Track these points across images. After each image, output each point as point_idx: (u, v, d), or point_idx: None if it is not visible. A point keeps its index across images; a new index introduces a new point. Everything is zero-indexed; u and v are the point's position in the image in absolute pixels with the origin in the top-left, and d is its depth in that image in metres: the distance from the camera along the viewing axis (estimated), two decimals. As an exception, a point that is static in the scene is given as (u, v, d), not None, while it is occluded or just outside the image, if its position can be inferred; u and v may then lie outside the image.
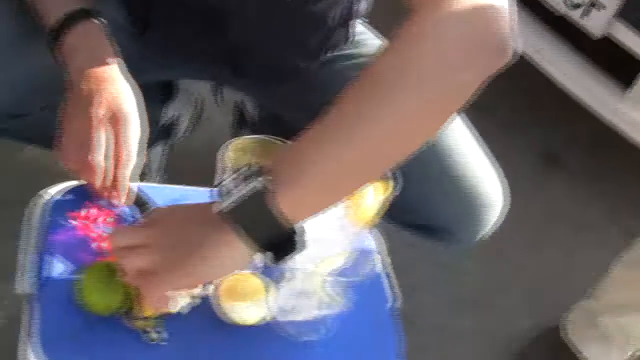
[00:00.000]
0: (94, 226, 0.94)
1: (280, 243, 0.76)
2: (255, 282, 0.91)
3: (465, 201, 1.17)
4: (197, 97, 1.65)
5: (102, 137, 0.93)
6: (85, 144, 0.92)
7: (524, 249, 1.83)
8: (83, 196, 0.98)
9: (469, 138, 1.20)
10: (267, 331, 0.92)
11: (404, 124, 0.77)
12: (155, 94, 1.52)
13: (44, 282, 0.89)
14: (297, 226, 0.76)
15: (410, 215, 1.20)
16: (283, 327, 0.92)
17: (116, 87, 0.96)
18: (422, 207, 1.18)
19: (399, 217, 1.16)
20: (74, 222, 0.94)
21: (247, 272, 0.92)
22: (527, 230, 1.86)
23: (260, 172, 0.75)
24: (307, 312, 0.90)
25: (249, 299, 0.89)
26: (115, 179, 0.94)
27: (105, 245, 0.92)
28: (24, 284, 0.90)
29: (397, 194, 0.92)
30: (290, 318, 0.91)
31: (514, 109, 2.18)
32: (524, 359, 1.59)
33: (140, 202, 0.99)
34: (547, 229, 1.92)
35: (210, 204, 0.77)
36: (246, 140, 0.95)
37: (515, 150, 2.04)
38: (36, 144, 1.33)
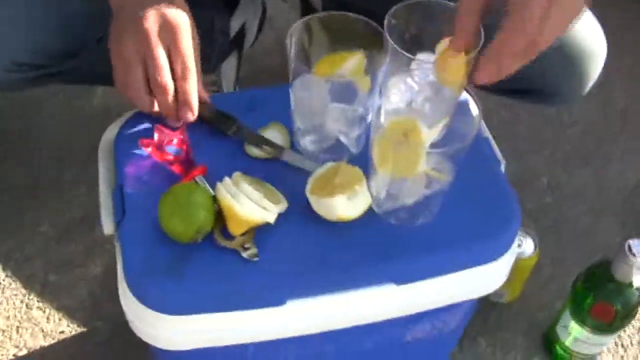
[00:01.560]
0: (168, 149, 0.86)
1: None
2: (352, 170, 0.82)
3: (566, 54, 1.07)
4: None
5: (163, 53, 0.85)
6: (149, 65, 0.84)
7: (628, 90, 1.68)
8: (152, 120, 0.90)
9: None
10: (373, 222, 0.83)
11: None
12: (221, 5, 1.43)
13: (127, 218, 0.83)
14: None
15: (509, 79, 1.09)
16: (392, 216, 0.83)
17: None
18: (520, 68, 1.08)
19: (497, 85, 1.06)
20: (147, 150, 0.87)
21: (337, 163, 0.83)
22: (628, 68, 1.70)
23: None
24: (415, 193, 0.80)
25: (348, 190, 0.80)
26: (184, 94, 0.86)
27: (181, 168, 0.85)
28: (109, 224, 0.85)
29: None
30: (399, 204, 0.82)
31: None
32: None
33: (221, 117, 0.90)
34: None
35: None
36: (313, 18, 0.85)
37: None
38: (101, 83, 1.26)
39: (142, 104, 0.87)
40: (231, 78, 1.44)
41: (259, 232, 0.82)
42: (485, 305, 1.28)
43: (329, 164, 0.83)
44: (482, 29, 0.81)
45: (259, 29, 1.54)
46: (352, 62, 0.85)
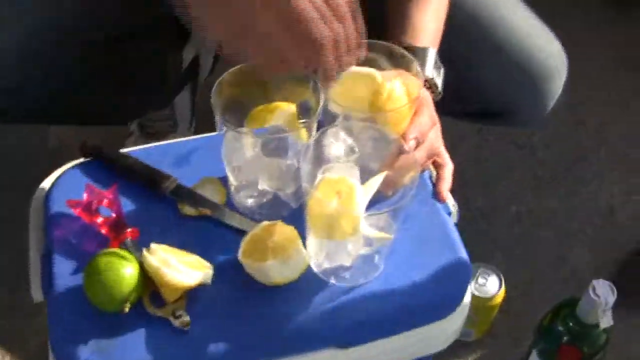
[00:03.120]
0: (99, 210, 0.82)
1: None
2: (287, 230, 0.78)
3: (524, 72, 1.05)
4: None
5: None
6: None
7: (602, 108, 1.64)
8: (81, 179, 0.86)
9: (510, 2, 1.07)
10: (313, 283, 0.79)
11: None
12: (172, 36, 1.39)
13: (55, 285, 0.79)
14: None
15: (468, 103, 1.10)
16: (332, 275, 0.79)
17: None
18: (478, 90, 1.07)
19: (457, 108, 1.06)
20: (75, 211, 0.82)
21: (271, 222, 0.78)
22: (600, 87, 1.66)
23: None
24: (354, 254, 0.76)
25: (282, 253, 0.75)
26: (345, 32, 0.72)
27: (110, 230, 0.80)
28: (38, 291, 0.81)
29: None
30: (338, 264, 0.78)
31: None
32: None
33: (154, 174, 0.85)
34: (627, 78, 1.70)
35: None
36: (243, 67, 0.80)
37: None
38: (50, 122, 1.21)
39: (321, 33, 0.70)
40: (186, 112, 1.40)
41: (192, 298, 0.77)
42: (453, 344, 1.23)
43: (264, 223, 0.78)
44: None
45: (216, 59, 1.50)
46: (285, 113, 0.81)
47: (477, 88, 1.06)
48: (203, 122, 1.43)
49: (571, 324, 1.03)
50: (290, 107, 0.81)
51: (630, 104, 1.63)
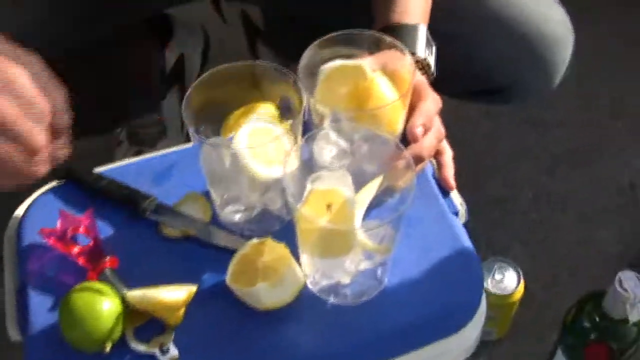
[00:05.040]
0: (74, 238, 0.75)
1: None
2: (278, 248, 0.70)
3: (527, 43, 0.99)
4: (199, 26, 1.43)
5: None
6: None
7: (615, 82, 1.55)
8: (54, 204, 0.79)
9: None
10: (311, 303, 0.72)
11: None
12: (151, 38, 1.32)
13: (31, 323, 0.72)
14: None
15: (473, 82, 1.04)
16: (331, 294, 0.72)
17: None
18: (482, 67, 1.01)
19: (459, 88, 1.03)
20: (49, 241, 0.76)
21: (260, 240, 0.71)
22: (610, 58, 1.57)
23: None
24: (352, 270, 0.69)
25: (273, 276, 0.68)
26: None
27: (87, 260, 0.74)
28: (13, 330, 0.74)
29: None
30: (336, 281, 0.71)
31: None
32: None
33: (131, 195, 0.78)
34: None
35: None
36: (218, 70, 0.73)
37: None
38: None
39: None
40: (176, 117, 1.33)
41: (179, 330, 0.70)
42: (474, 344, 1.16)
43: (253, 242, 0.71)
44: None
45: (204, 60, 1.43)
46: (263, 113, 0.73)
47: (481, 64, 1.01)
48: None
49: (597, 319, 0.96)
50: (268, 107, 0.73)
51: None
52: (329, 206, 0.65)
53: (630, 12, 1.63)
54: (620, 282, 0.90)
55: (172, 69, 1.36)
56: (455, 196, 0.81)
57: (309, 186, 0.67)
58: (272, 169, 0.70)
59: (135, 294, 0.68)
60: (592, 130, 1.46)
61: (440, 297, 0.73)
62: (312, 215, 0.64)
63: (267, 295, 0.68)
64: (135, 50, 1.12)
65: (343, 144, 0.72)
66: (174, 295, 0.68)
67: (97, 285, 0.70)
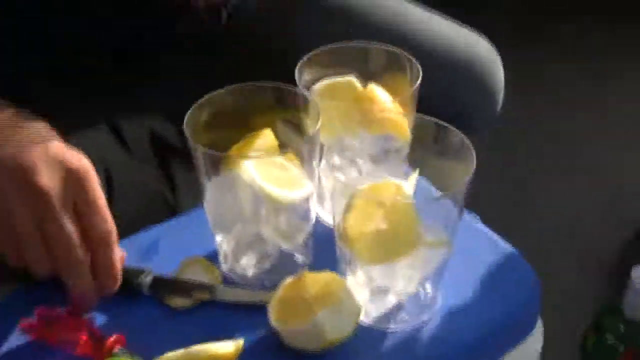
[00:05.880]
0: (55, 330, 0.62)
1: None
2: (323, 276, 0.60)
3: (466, 68, 1.01)
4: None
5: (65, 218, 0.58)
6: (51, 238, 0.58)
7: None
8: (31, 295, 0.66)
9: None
10: (367, 340, 0.61)
11: None
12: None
13: None
14: None
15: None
16: (391, 319, 0.62)
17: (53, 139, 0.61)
18: (426, 100, 0.98)
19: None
20: (29, 334, 0.62)
21: (295, 276, 0.61)
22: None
23: None
24: (413, 278, 0.60)
25: (331, 301, 0.58)
26: (106, 262, 0.61)
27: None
28: None
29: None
30: (394, 300, 0.61)
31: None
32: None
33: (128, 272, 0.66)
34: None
35: None
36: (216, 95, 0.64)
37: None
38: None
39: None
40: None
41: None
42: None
43: (287, 281, 0.61)
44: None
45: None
46: (262, 142, 0.65)
47: (424, 98, 0.99)
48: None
49: (623, 331, 0.89)
50: (266, 137, 0.65)
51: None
52: (380, 203, 0.57)
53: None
54: (638, 279, 0.85)
55: None
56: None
57: (348, 190, 0.59)
58: (292, 192, 0.62)
59: (173, 355, 0.56)
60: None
61: (499, 305, 0.65)
62: (365, 215, 0.55)
63: (330, 324, 0.58)
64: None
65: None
66: (223, 347, 0.56)
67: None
